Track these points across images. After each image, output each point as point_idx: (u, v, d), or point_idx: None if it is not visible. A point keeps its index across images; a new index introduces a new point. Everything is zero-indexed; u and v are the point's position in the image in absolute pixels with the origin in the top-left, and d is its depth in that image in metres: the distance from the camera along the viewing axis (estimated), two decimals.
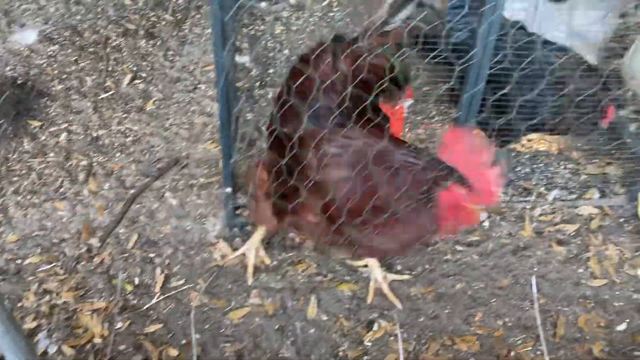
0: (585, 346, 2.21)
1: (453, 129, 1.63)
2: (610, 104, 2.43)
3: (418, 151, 1.70)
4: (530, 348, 2.20)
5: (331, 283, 2.41)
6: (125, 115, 3.07)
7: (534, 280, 2.35)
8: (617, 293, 2.40)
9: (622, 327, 2.28)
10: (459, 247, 2.53)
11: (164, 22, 3.66)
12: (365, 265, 2.42)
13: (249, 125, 3.01)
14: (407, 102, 2.33)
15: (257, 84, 3.27)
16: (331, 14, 3.76)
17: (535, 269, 2.46)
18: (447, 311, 2.32)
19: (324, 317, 2.31)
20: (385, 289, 2.36)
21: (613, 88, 2.46)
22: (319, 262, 2.47)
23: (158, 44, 3.51)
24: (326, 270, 2.45)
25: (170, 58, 3.42)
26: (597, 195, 2.75)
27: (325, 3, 3.86)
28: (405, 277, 2.42)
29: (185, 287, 2.40)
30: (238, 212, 2.59)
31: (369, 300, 2.35)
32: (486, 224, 2.63)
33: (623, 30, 3.71)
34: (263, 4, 3.86)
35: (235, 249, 2.50)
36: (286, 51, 3.50)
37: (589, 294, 2.39)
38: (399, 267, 2.47)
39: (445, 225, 1.67)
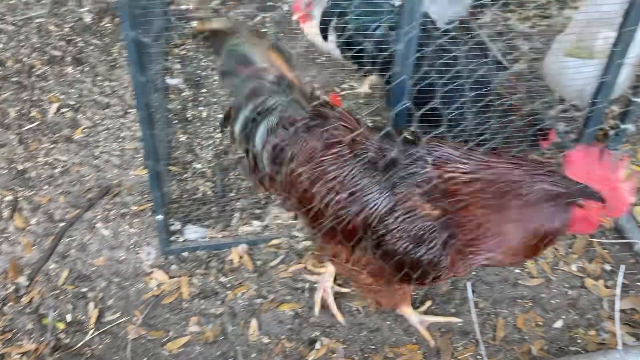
0: (524, 347, 2.24)
1: (578, 147, 1.70)
2: (552, 127, 2.48)
3: (549, 171, 1.69)
4: (471, 353, 2.21)
5: (272, 304, 2.37)
6: (52, 145, 2.97)
7: (469, 285, 2.37)
8: (553, 291, 2.44)
9: (559, 324, 2.32)
10: None
11: (92, 47, 3.58)
12: (318, 274, 2.41)
13: (182, 148, 2.96)
14: None
15: (190, 104, 3.22)
16: (263, 30, 3.75)
17: (474, 273, 2.48)
18: (388, 323, 2.32)
19: (266, 340, 2.27)
20: (331, 301, 2.34)
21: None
22: (259, 284, 2.43)
23: (86, 69, 3.42)
24: (266, 292, 2.41)
25: (99, 83, 3.33)
26: None
27: (257, 19, 3.85)
28: (349, 290, 2.41)
29: (121, 321, 2.32)
30: (172, 238, 2.52)
31: (316, 311, 2.33)
32: None
33: (547, 30, 3.83)
34: (194, 23, 3.82)
35: (171, 277, 2.44)
36: None
37: (527, 294, 2.42)
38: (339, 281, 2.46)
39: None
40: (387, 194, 1.72)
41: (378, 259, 1.79)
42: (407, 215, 1.70)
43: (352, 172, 1.77)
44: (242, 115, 1.91)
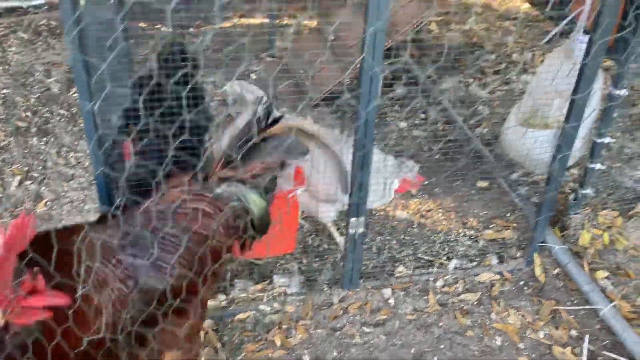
0: None
1: None
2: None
3: None
4: None
5: None
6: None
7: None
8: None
9: None
10: (366, 329, 2.51)
11: (58, 118, 3.58)
12: None
13: None
14: (299, 189, 2.32)
15: None
16: None
17: (442, 346, 2.45)
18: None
19: None
20: None
21: None
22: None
23: (51, 140, 3.41)
24: None
25: (65, 154, 3.31)
26: (495, 260, 2.83)
27: None
28: None
29: None
30: None
31: None
32: (391, 301, 2.63)
33: (506, 96, 3.96)
34: None
35: None
36: None
37: None
38: (307, 358, 2.41)
39: None
40: None
41: None
42: None
43: None
44: None
